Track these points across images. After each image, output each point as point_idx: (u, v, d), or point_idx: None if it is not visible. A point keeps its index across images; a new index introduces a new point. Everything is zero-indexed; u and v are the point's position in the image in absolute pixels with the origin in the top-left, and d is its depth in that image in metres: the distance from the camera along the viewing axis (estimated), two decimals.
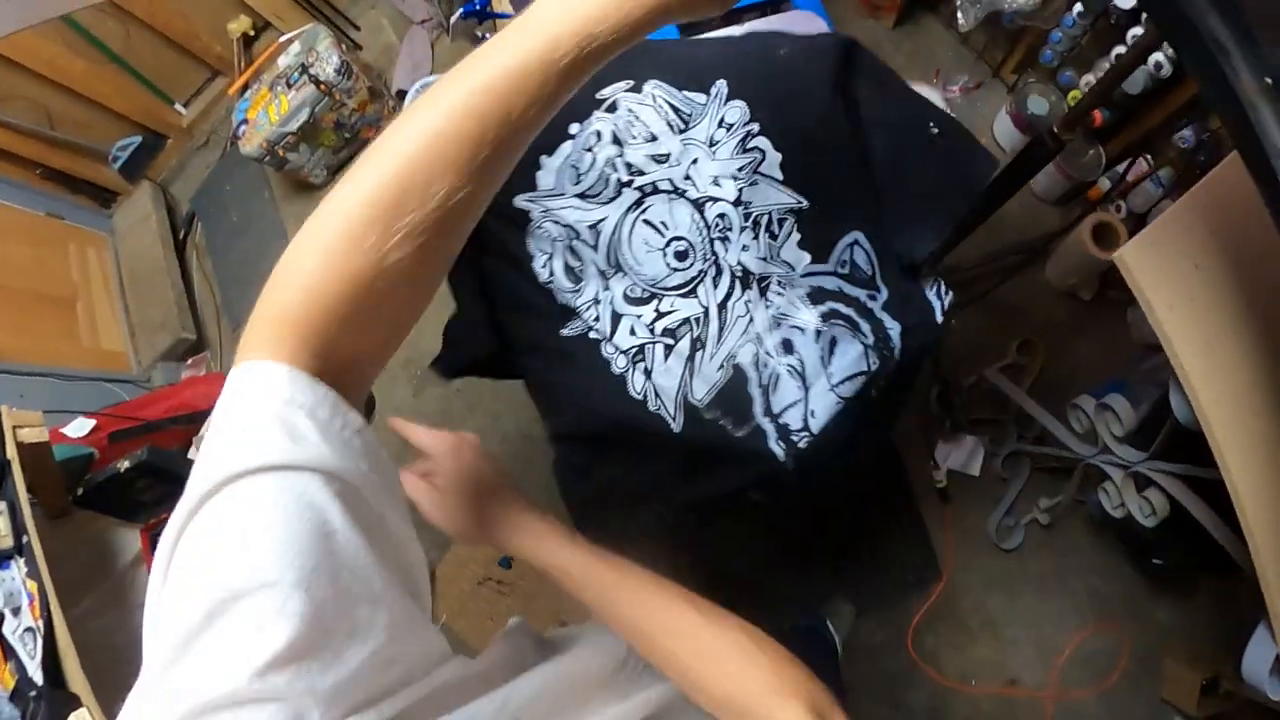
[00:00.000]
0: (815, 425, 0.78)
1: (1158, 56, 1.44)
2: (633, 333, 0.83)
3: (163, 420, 2.21)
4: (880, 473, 1.76)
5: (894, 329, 0.82)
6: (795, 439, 0.78)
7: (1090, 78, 1.69)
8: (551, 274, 0.87)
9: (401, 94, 2.64)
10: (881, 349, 0.81)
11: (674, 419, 0.80)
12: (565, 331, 0.86)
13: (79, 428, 1.96)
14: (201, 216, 2.87)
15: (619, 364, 0.83)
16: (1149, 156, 1.69)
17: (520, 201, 0.87)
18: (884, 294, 0.83)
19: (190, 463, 1.98)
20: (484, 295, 0.94)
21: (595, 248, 0.85)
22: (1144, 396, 1.67)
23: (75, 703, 1.36)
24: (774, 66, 0.87)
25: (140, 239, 2.74)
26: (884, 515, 1.88)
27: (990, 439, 1.93)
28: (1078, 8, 1.60)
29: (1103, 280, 1.88)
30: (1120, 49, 1.56)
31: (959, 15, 1.82)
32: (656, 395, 0.81)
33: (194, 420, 2.26)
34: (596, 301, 0.85)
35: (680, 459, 0.84)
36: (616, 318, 0.84)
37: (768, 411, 0.78)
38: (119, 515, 1.89)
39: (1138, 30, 1.50)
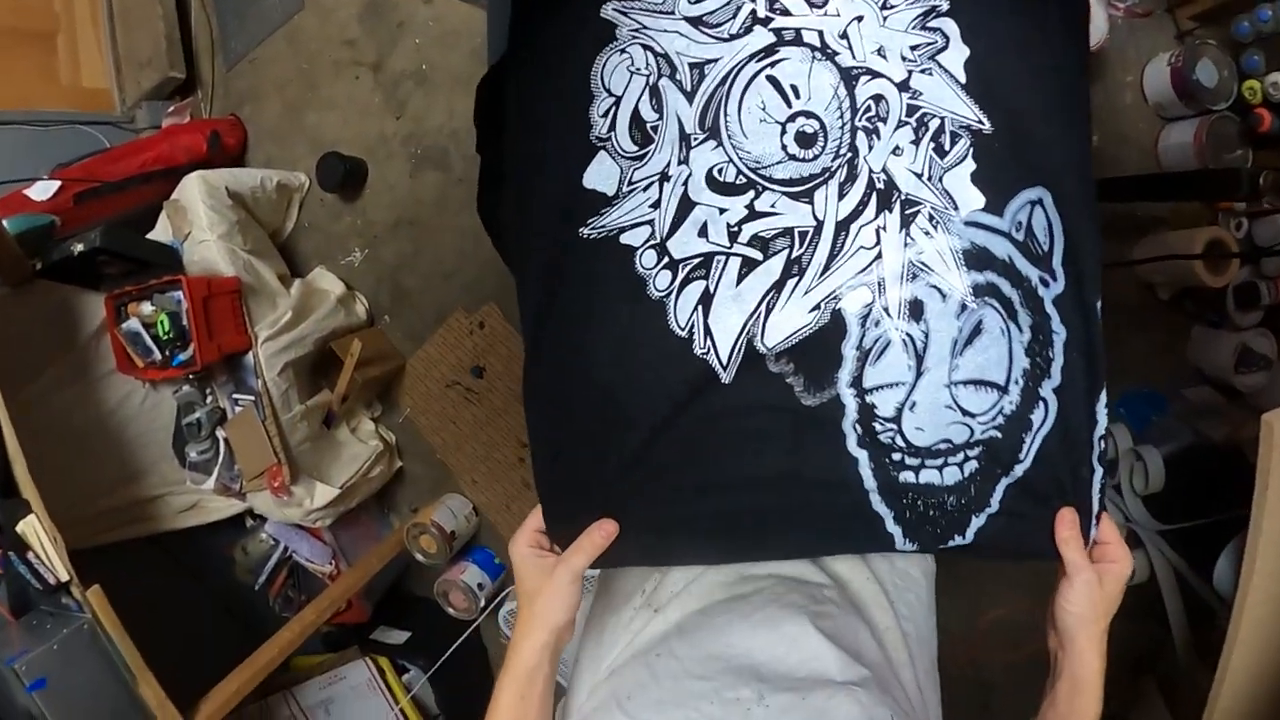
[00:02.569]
0: (909, 424, 0.59)
1: None
2: (703, 233, 0.60)
3: (133, 179, 2.03)
4: None
5: (1059, 335, 0.61)
6: (877, 429, 0.59)
7: None
8: (612, 126, 0.62)
9: None
10: (1035, 360, 0.60)
11: (725, 366, 0.60)
12: (586, 231, 0.62)
13: (43, 190, 1.80)
14: None
15: (659, 283, 0.60)
16: None
17: (610, 10, 0.63)
18: (1060, 284, 0.62)
19: (154, 244, 1.86)
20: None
21: (690, 96, 0.61)
22: (1173, 435, 1.57)
23: (25, 509, 1.37)
24: None
25: None
26: None
27: None
28: None
29: (1185, 290, 1.66)
30: None
31: None
32: (707, 333, 0.60)
33: (169, 177, 2.07)
34: (665, 177, 0.61)
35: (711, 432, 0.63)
36: (687, 207, 0.60)
37: (856, 382, 0.59)
38: (82, 284, 1.80)
39: None
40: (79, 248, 1.65)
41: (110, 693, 1.33)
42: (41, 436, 1.75)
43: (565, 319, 0.66)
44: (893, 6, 0.61)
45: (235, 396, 1.86)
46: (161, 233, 1.95)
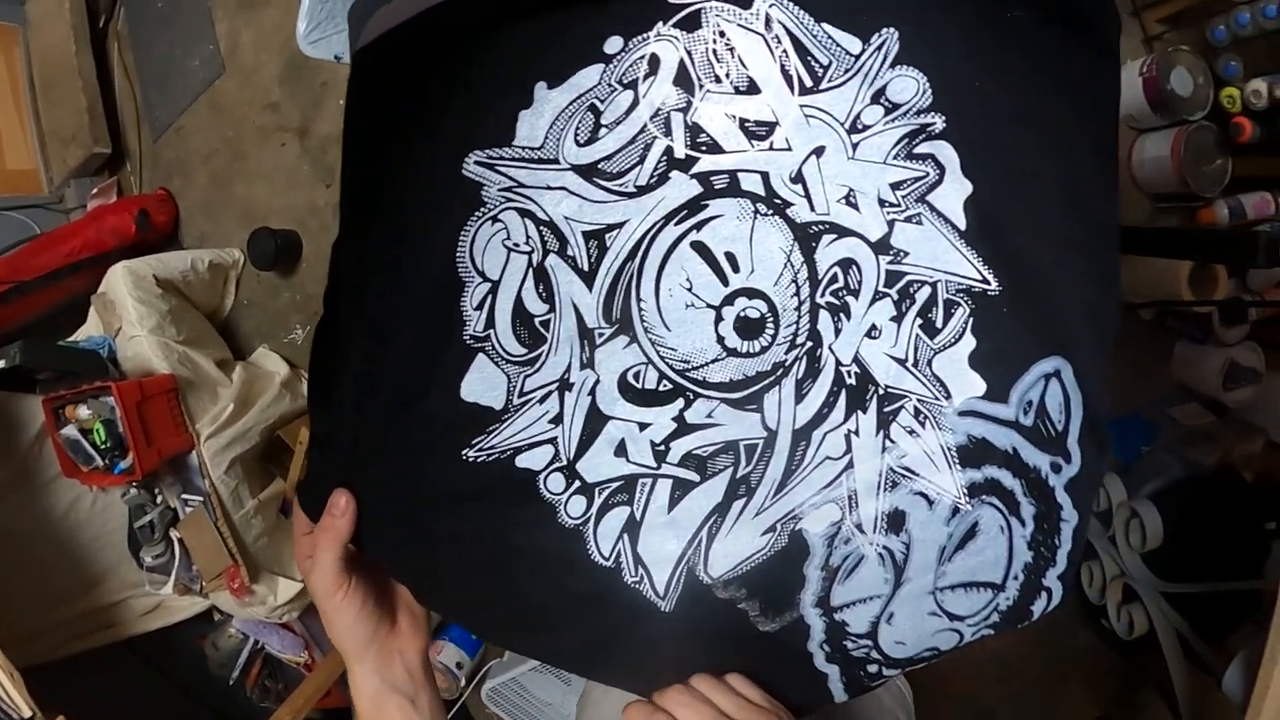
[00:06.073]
0: (886, 638, 0.49)
1: None
2: (621, 453, 0.47)
3: (61, 270, 1.94)
4: None
5: (1069, 522, 0.51)
6: (849, 646, 0.50)
7: (1261, 86, 1.24)
8: (490, 322, 0.47)
9: None
10: (1039, 551, 0.50)
11: (663, 597, 0.49)
12: (472, 455, 0.48)
13: None
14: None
15: (572, 511, 0.48)
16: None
17: (473, 165, 0.47)
18: (1075, 465, 0.51)
19: (77, 353, 1.78)
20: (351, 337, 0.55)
21: (589, 278, 0.47)
22: (1163, 469, 1.50)
23: None
24: (991, 29, 0.46)
25: (54, 30, 2.23)
26: None
27: None
28: None
29: (1167, 309, 1.58)
30: None
31: None
32: (638, 562, 0.48)
33: (100, 264, 1.98)
34: (566, 385, 0.47)
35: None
36: (598, 421, 0.47)
37: (822, 602, 0.49)
38: (16, 389, 1.72)
39: None
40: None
41: None
42: None
43: (436, 554, 0.53)
44: (866, 127, 0.45)
45: (184, 497, 1.78)
46: (93, 327, 1.87)
